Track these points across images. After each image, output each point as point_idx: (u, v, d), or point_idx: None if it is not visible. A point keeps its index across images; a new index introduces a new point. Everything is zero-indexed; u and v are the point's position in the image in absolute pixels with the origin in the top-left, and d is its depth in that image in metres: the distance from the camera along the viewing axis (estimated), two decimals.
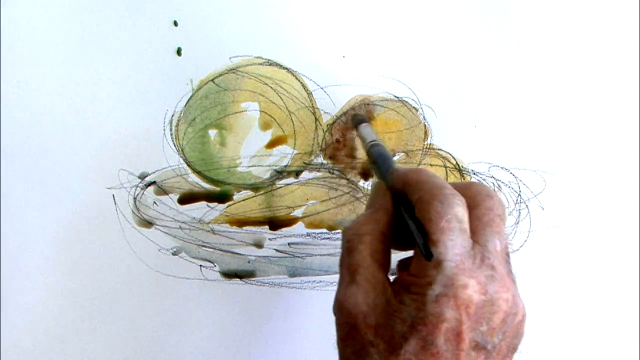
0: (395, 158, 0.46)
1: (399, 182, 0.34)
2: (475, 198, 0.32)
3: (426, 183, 0.32)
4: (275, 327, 0.46)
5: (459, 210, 0.31)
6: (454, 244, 0.30)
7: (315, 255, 0.46)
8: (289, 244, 0.45)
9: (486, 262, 0.30)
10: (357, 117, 0.44)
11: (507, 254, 0.32)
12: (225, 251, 0.45)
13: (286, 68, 0.44)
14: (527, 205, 0.46)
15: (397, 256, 0.35)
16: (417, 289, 0.30)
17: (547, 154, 0.46)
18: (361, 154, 0.45)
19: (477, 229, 0.31)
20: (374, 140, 0.40)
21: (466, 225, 0.31)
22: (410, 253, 0.33)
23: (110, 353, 0.45)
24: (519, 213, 0.46)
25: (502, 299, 0.30)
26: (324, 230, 0.46)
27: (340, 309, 0.32)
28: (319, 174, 0.45)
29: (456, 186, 0.32)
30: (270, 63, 0.44)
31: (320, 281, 0.46)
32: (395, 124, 0.45)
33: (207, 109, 0.44)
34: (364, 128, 0.42)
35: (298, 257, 0.46)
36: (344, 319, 0.32)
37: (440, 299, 0.29)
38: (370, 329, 0.31)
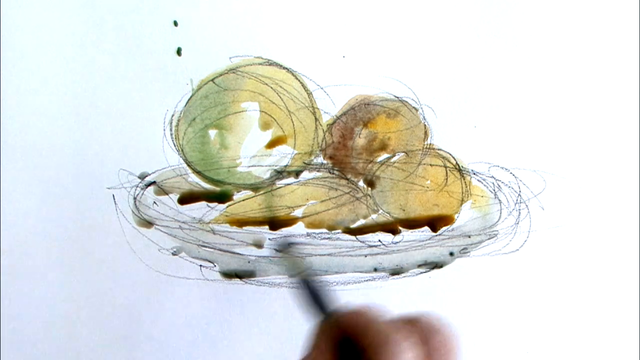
0: (395, 158, 0.46)
1: (342, 326, 0.33)
2: (426, 332, 0.32)
3: (373, 329, 0.32)
4: (275, 327, 0.46)
5: (409, 356, 0.31)
6: None
7: (315, 255, 0.46)
8: (289, 244, 0.45)
9: None
10: (284, 248, 0.44)
11: None
12: (225, 251, 0.45)
13: (286, 68, 0.44)
14: (527, 205, 0.46)
15: None
16: None
17: (547, 154, 0.46)
18: (361, 154, 0.45)
19: None
20: (306, 271, 0.39)
21: None
22: None
23: (109, 353, 0.45)
24: (519, 213, 0.46)
25: None
26: (324, 230, 0.46)
27: None
28: (319, 174, 0.45)
29: (405, 320, 0.33)
30: (270, 63, 0.44)
31: (320, 281, 0.46)
32: (395, 124, 0.45)
33: (207, 109, 0.44)
34: (293, 260, 0.42)
35: (298, 257, 0.46)
36: None
37: None
38: None
